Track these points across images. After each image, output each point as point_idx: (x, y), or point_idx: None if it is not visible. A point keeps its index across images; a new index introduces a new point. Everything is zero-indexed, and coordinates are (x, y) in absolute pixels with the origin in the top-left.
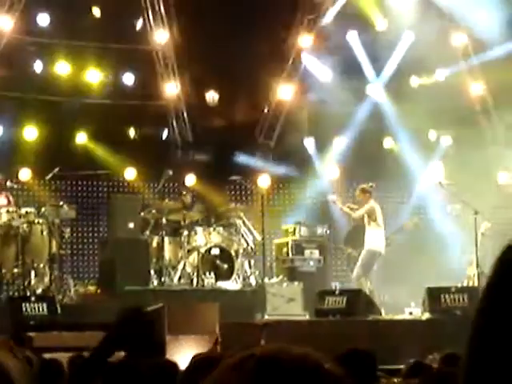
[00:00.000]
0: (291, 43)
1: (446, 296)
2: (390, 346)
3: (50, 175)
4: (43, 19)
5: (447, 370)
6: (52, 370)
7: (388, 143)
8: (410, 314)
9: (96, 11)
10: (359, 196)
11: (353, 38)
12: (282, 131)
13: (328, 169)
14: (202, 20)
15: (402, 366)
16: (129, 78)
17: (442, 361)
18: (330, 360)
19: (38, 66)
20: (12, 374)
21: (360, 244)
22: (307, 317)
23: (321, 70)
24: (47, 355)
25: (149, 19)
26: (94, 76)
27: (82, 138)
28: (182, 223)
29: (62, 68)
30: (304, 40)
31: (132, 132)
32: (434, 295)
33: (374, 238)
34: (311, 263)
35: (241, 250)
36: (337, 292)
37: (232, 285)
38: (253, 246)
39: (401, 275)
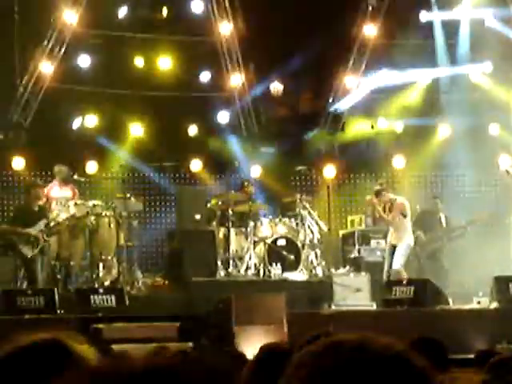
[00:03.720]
0: (356, 32)
1: None
2: (459, 335)
3: (116, 168)
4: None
5: None
6: None
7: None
8: (478, 303)
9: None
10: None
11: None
12: (346, 121)
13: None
14: (266, 10)
15: (471, 356)
16: (202, 72)
17: None
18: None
19: None
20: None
21: (429, 227)
22: (374, 307)
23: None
24: (115, 347)
25: (213, 10)
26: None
27: (138, 130)
28: (248, 214)
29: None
30: (368, 29)
31: (195, 126)
32: (501, 284)
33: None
34: (378, 253)
35: (307, 241)
36: (404, 282)
37: (298, 275)
38: (319, 237)
39: (469, 264)
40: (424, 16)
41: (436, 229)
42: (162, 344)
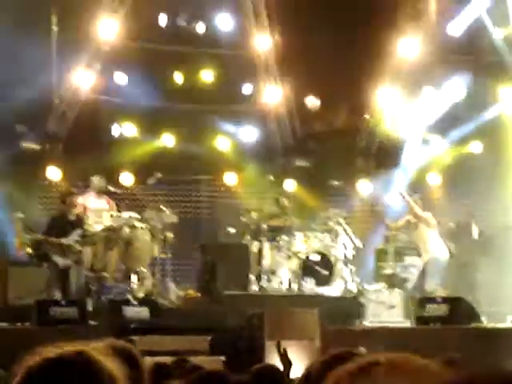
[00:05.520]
0: (392, 47)
1: None
2: (493, 354)
3: (152, 180)
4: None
5: None
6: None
7: None
8: None
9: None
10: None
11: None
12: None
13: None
14: (303, 25)
15: None
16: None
17: None
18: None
19: None
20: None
21: (459, 240)
22: (408, 324)
23: None
24: (149, 359)
25: (250, 25)
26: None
27: (169, 141)
28: (282, 228)
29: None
30: (405, 44)
31: (229, 139)
32: None
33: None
34: (412, 270)
35: (341, 257)
36: (438, 299)
37: (332, 291)
38: (353, 253)
39: (502, 282)
40: (452, 29)
41: (466, 241)
42: (181, 357)
